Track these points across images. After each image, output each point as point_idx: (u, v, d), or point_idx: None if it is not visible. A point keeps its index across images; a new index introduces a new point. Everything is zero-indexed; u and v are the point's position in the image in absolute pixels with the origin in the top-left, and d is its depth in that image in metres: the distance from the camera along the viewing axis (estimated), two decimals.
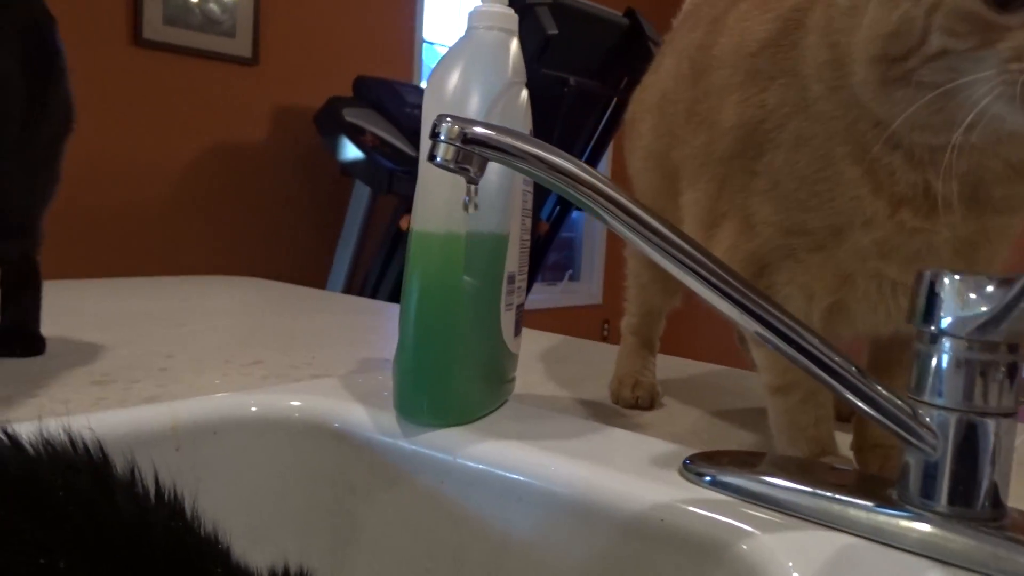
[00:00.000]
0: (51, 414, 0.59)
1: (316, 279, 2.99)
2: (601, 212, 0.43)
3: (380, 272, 2.95)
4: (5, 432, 0.32)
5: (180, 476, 0.58)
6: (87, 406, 0.63)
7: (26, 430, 0.34)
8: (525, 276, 0.69)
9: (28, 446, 0.32)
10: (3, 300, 0.82)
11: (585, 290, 5.19)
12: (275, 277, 1.60)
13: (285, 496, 0.63)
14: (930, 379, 0.44)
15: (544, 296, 4.80)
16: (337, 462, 0.62)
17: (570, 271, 5.17)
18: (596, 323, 5.03)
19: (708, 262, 0.43)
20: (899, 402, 0.44)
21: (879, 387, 0.44)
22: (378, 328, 1.10)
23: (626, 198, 0.43)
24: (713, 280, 0.44)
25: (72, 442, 0.33)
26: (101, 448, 0.34)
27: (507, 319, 0.64)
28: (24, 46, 0.74)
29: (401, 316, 0.60)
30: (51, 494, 0.31)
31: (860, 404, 0.44)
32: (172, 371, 0.76)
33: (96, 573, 0.29)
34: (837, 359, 0.44)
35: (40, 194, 0.81)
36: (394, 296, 2.64)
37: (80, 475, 0.32)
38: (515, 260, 0.65)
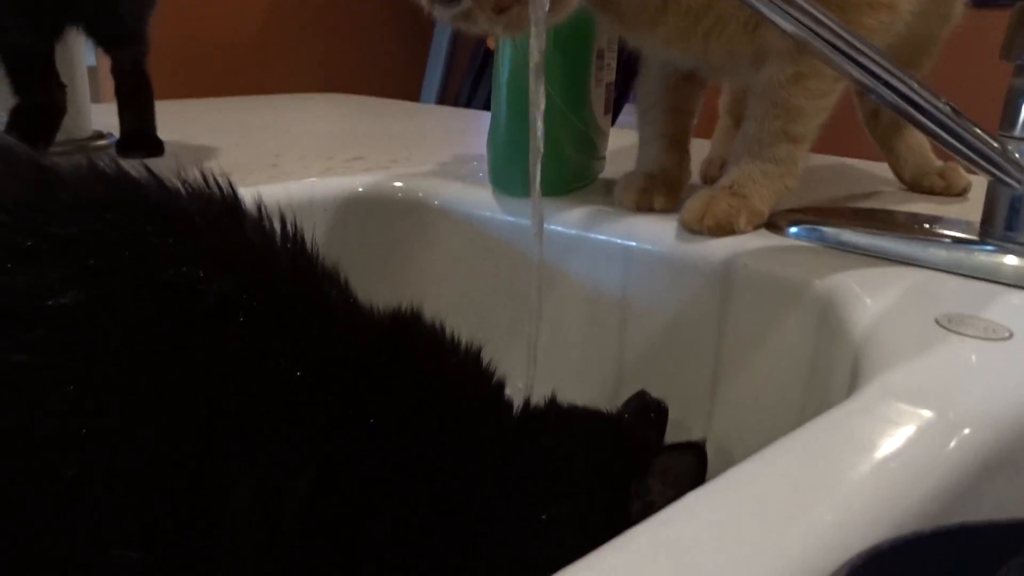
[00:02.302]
0: None
1: (411, 95, 2.99)
2: None
3: (470, 92, 2.93)
4: (147, 168, 0.36)
5: None
6: None
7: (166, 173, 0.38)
8: (615, 54, 0.69)
9: (167, 180, 0.36)
10: (120, 108, 0.87)
11: None
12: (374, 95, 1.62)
13: (390, 268, 0.68)
14: (1021, 112, 0.44)
15: (633, 119, 4.68)
16: (439, 235, 0.66)
17: None
18: None
19: (804, 4, 0.43)
20: (989, 139, 0.44)
21: (972, 126, 0.44)
22: (472, 131, 1.13)
23: None
24: (807, 22, 0.43)
25: (206, 180, 0.37)
26: (232, 186, 0.38)
27: (597, 95, 0.65)
28: None
29: (493, 93, 0.62)
30: (188, 219, 0.35)
31: (951, 141, 0.44)
32: (281, 167, 0.81)
33: (231, 283, 0.33)
34: (930, 99, 0.44)
35: (147, 0, 0.84)
36: (487, 106, 2.62)
37: (213, 205, 0.36)
38: (604, 36, 0.65)
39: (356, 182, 0.68)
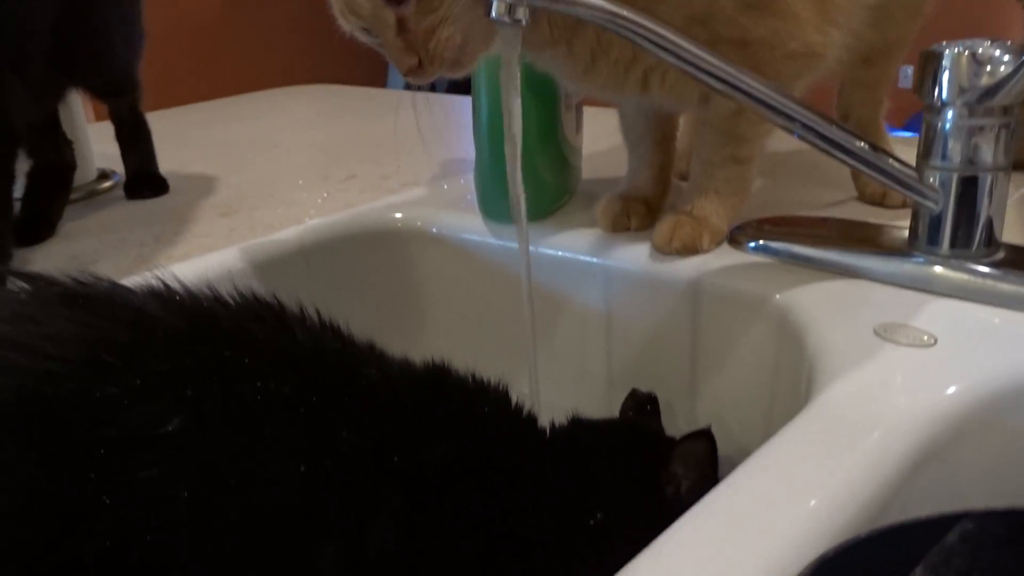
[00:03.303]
0: (202, 249, 0.71)
1: (375, 79, 3.01)
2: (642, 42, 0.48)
3: None
4: (212, 291, 0.43)
5: (314, 286, 0.70)
6: (225, 237, 0.75)
7: (213, 273, 0.45)
8: None
9: (229, 299, 0.43)
10: (122, 151, 0.93)
11: None
12: (335, 82, 1.65)
13: (395, 294, 0.76)
14: (935, 144, 0.51)
15: None
16: (437, 261, 0.74)
17: None
18: None
19: (737, 75, 0.49)
20: (906, 169, 0.52)
21: (890, 159, 0.52)
22: (449, 124, 1.18)
23: (664, 29, 0.48)
24: (740, 84, 0.49)
25: (256, 297, 0.45)
26: (276, 297, 0.45)
27: (568, 119, 0.72)
28: None
29: (475, 131, 0.69)
30: (251, 336, 0.42)
31: (873, 173, 0.52)
32: (281, 195, 0.87)
33: (295, 386, 0.41)
34: (848, 139, 0.51)
35: (136, 48, 0.90)
36: (452, 87, 2.64)
37: (267, 323, 0.44)
38: None
39: (358, 218, 0.75)
